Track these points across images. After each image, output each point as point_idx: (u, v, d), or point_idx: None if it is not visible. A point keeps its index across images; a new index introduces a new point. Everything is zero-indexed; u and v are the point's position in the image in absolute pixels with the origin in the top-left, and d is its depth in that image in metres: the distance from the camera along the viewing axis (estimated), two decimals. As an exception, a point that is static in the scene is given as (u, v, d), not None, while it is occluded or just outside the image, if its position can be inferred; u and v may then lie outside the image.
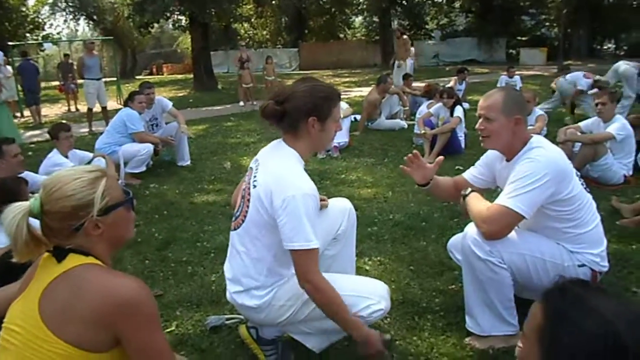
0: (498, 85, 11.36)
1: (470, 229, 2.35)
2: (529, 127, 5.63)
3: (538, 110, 5.84)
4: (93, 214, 1.42)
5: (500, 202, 2.18)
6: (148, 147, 5.90)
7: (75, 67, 15.09)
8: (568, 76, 8.66)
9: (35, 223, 1.46)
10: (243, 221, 2.13)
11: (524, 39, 31.43)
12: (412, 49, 17.01)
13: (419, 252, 3.47)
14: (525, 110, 2.41)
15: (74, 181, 1.42)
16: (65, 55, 17.13)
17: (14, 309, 1.46)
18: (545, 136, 5.86)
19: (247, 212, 2.11)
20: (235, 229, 2.20)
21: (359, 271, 3.21)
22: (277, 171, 2.05)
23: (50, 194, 1.40)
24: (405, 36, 12.97)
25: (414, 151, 2.55)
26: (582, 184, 2.38)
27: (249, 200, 2.11)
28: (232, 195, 3.04)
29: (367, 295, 2.15)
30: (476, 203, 2.31)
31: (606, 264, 2.38)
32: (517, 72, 11.82)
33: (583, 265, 2.32)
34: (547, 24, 32.52)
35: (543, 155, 2.22)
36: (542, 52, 26.45)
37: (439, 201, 4.52)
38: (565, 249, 2.32)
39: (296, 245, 1.92)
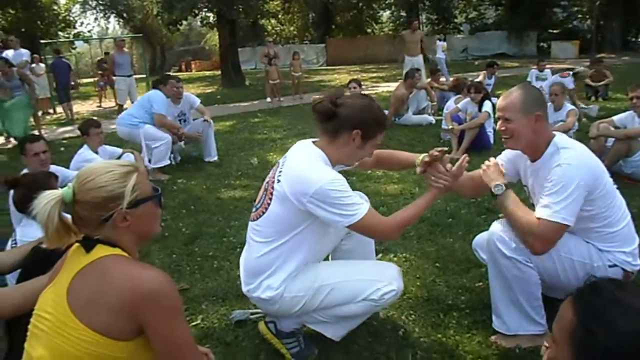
0: (528, 79, 11.15)
1: (496, 227, 2.31)
2: (560, 122, 5.53)
3: (569, 105, 5.71)
4: (122, 206, 1.46)
5: (549, 218, 2.10)
6: (167, 138, 5.97)
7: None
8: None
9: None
10: (264, 213, 2.16)
11: (555, 31, 30.71)
12: (443, 43, 16.81)
13: (445, 249, 3.43)
14: (544, 106, 2.35)
15: (107, 173, 1.47)
16: (106, 53, 17.48)
17: (44, 297, 1.51)
18: (577, 131, 5.78)
19: (269, 204, 2.14)
20: (254, 220, 2.23)
21: (384, 267, 3.20)
22: (302, 168, 2.07)
23: (83, 184, 1.46)
24: (418, 30, 12.69)
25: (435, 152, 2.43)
26: (611, 181, 2.32)
27: (271, 193, 2.14)
28: (258, 190, 3.09)
29: (375, 278, 2.18)
30: (523, 213, 2.20)
31: (638, 262, 2.31)
32: (548, 66, 11.57)
33: (614, 265, 2.26)
34: (580, 16, 31.70)
35: (573, 158, 2.16)
36: (574, 45, 25.83)
37: (466, 198, 4.48)
38: (594, 247, 2.26)
39: (350, 221, 1.99)
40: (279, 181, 2.11)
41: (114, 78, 11.06)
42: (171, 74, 11.70)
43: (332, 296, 2.15)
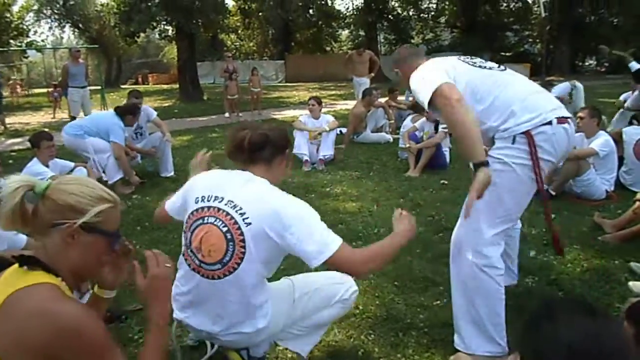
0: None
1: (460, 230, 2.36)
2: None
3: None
4: (78, 222, 1.39)
5: None
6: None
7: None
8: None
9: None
10: (235, 269, 1.94)
11: (507, 54, 31.87)
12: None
13: (403, 267, 3.44)
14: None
15: (86, 188, 1.44)
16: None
17: None
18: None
19: (242, 255, 1.92)
20: (218, 278, 1.97)
21: (343, 286, 3.18)
22: (273, 200, 1.95)
23: (59, 184, 1.44)
24: (367, 51, 12.20)
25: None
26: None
27: (242, 242, 1.92)
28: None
29: (341, 281, 2.25)
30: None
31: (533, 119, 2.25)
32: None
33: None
34: (530, 40, 33.07)
35: None
36: (526, 68, 26.75)
37: (423, 215, 4.53)
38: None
39: (324, 257, 1.86)
40: (247, 224, 1.91)
41: (69, 89, 10.69)
42: (127, 86, 11.41)
43: (311, 303, 2.17)
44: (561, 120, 2.28)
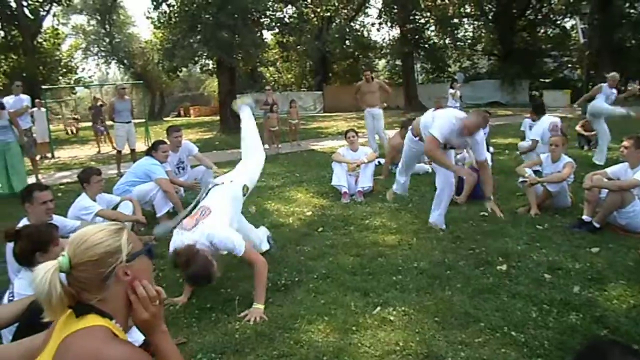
0: (522, 128, 11.31)
1: None
2: (556, 173, 5.61)
3: (566, 157, 5.78)
4: (122, 259, 1.46)
5: None
6: (156, 187, 5.90)
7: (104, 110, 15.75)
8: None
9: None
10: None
11: (546, 80, 31.46)
12: (454, 91, 16.05)
13: (444, 303, 3.42)
14: None
15: (100, 232, 1.48)
16: (95, 98, 17.71)
17: None
18: (572, 183, 5.86)
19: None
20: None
21: (383, 321, 3.19)
22: None
23: (78, 247, 1.44)
24: (376, 80, 11.35)
25: None
26: None
27: None
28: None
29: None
30: None
31: None
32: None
33: None
34: (570, 66, 32.55)
35: None
36: (565, 94, 26.38)
37: (464, 249, 4.49)
38: None
39: None
40: None
41: (114, 124, 11.14)
42: (170, 119, 11.78)
43: None
44: None
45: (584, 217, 5.00)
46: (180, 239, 3.51)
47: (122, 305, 1.50)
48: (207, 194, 4.06)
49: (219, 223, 3.63)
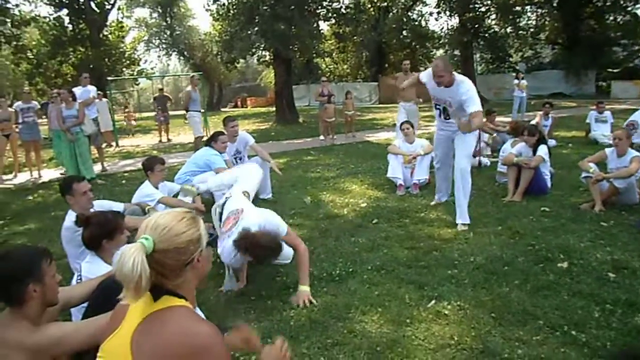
0: (587, 121, 10.88)
1: None
2: (622, 168, 5.37)
3: (633, 151, 5.51)
4: (202, 247, 1.58)
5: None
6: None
7: (170, 101, 16.37)
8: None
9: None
10: None
11: (615, 71, 29.93)
12: (521, 82, 15.37)
13: (501, 299, 3.35)
14: None
15: (181, 221, 1.56)
16: (160, 89, 18.26)
17: (110, 343, 1.57)
18: (640, 178, 5.59)
19: None
20: None
21: (438, 315, 3.17)
22: None
23: (164, 234, 1.50)
24: (414, 73, 10.88)
25: None
26: None
27: None
28: (310, 230, 3.44)
29: None
30: None
31: None
32: (608, 107, 11.27)
33: None
34: (641, 55, 30.89)
35: None
36: (636, 85, 25.04)
37: (523, 244, 4.38)
38: None
39: None
40: None
41: (191, 113, 11.62)
42: (227, 110, 12.13)
43: None
44: None
45: (653, 214, 4.77)
46: (228, 242, 3.46)
47: (192, 288, 1.62)
48: (221, 215, 4.04)
49: (256, 211, 3.78)
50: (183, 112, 12.36)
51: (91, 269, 2.98)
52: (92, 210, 4.07)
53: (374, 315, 3.21)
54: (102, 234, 3.02)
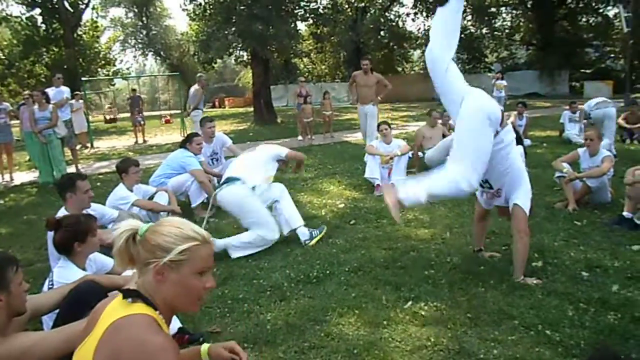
0: (561, 120, 11.05)
1: None
2: (595, 168, 5.46)
3: (604, 151, 5.62)
4: (164, 259, 1.52)
5: None
6: (190, 177, 5.99)
7: (141, 101, 16.24)
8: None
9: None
10: None
11: (588, 71, 30.54)
12: (501, 82, 15.37)
13: (477, 299, 3.37)
14: None
15: (176, 228, 1.56)
16: (133, 90, 18.06)
17: (78, 352, 1.55)
18: (613, 177, 5.69)
19: None
20: None
21: (415, 316, 3.17)
22: None
23: (156, 226, 1.59)
24: (375, 73, 9.93)
25: None
26: None
27: None
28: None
29: None
30: None
31: None
32: (581, 106, 11.45)
33: None
34: (612, 55, 31.52)
35: None
36: (608, 85, 25.56)
37: (498, 244, 4.43)
38: None
39: None
40: None
41: (197, 111, 11.68)
42: (205, 110, 12.16)
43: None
44: None
45: (625, 213, 4.85)
46: None
47: (166, 303, 1.57)
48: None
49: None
50: (166, 112, 12.31)
51: (63, 273, 2.93)
52: (88, 211, 4.01)
53: (351, 318, 3.20)
54: (73, 236, 2.96)
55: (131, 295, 1.53)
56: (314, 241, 4.72)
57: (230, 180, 4.66)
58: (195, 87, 12.01)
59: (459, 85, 3.48)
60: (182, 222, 1.61)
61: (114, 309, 1.54)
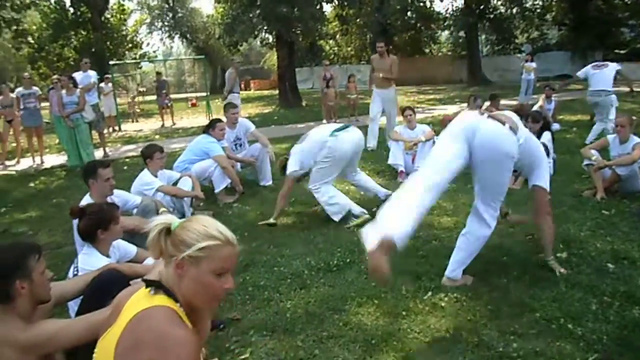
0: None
1: None
2: (625, 155, 5.32)
3: (636, 138, 5.44)
4: (184, 254, 1.56)
5: None
6: (214, 163, 6.01)
7: (167, 85, 16.44)
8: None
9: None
10: None
11: (622, 52, 29.56)
12: (531, 64, 14.58)
13: (498, 290, 3.33)
14: None
15: (204, 227, 1.60)
16: (158, 73, 18.22)
17: (102, 341, 1.60)
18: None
19: None
20: None
21: (434, 307, 3.16)
22: None
23: (187, 222, 1.64)
24: (391, 56, 9.38)
25: None
26: None
27: None
28: (310, 218, 3.32)
29: None
30: None
31: None
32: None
33: None
34: (649, 35, 30.46)
35: None
36: (643, 67, 24.75)
37: (521, 235, 4.35)
38: None
39: None
40: None
41: (233, 94, 11.83)
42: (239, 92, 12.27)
43: None
44: None
45: (655, 202, 4.72)
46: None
47: (185, 299, 1.60)
48: None
49: None
50: (192, 95, 12.47)
51: (87, 260, 2.99)
52: (112, 198, 4.09)
53: (370, 307, 3.20)
54: (96, 224, 3.02)
55: (154, 285, 1.59)
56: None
57: None
58: (230, 71, 12.31)
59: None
60: (209, 222, 1.64)
61: (137, 300, 1.58)
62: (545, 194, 3.55)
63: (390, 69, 9.00)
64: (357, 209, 5.06)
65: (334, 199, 5.03)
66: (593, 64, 9.22)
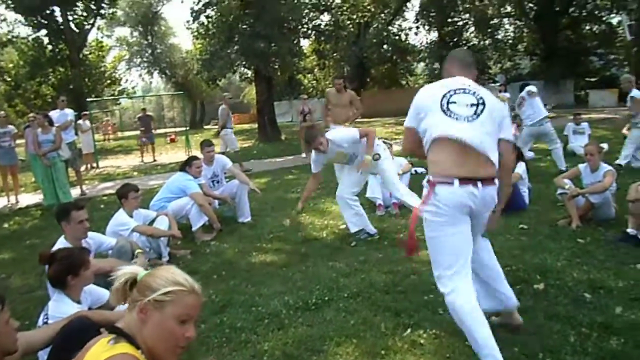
0: (565, 132, 10.99)
1: None
2: (597, 183, 5.41)
3: (605, 165, 5.56)
4: (148, 298, 1.58)
5: None
6: (190, 201, 5.96)
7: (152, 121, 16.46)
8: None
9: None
10: None
11: (593, 80, 30.45)
12: (504, 94, 14.27)
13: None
14: None
15: (168, 273, 1.66)
16: (143, 109, 18.23)
17: None
18: (617, 191, 5.62)
19: None
20: None
21: (414, 345, 3.12)
22: None
23: (154, 270, 1.70)
24: (349, 91, 9.04)
25: None
26: None
27: None
28: (289, 255, 3.19)
29: None
30: None
31: None
32: (586, 117, 11.41)
33: None
34: (617, 63, 31.43)
35: None
36: (613, 94, 25.46)
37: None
38: None
39: None
40: None
41: (226, 130, 12.12)
42: (211, 127, 12.17)
43: None
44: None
45: (629, 230, 4.77)
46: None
47: (147, 346, 1.59)
48: None
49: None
50: (171, 130, 12.40)
51: (58, 307, 2.92)
52: (85, 240, 4.01)
53: (348, 347, 3.15)
54: (66, 270, 2.96)
55: (115, 332, 1.57)
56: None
57: None
58: (222, 107, 12.40)
59: None
60: (176, 271, 1.68)
61: (97, 351, 1.55)
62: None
63: (350, 104, 8.79)
64: (372, 229, 5.58)
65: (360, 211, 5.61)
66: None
